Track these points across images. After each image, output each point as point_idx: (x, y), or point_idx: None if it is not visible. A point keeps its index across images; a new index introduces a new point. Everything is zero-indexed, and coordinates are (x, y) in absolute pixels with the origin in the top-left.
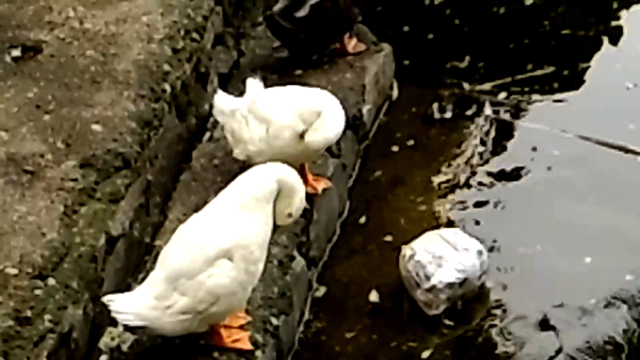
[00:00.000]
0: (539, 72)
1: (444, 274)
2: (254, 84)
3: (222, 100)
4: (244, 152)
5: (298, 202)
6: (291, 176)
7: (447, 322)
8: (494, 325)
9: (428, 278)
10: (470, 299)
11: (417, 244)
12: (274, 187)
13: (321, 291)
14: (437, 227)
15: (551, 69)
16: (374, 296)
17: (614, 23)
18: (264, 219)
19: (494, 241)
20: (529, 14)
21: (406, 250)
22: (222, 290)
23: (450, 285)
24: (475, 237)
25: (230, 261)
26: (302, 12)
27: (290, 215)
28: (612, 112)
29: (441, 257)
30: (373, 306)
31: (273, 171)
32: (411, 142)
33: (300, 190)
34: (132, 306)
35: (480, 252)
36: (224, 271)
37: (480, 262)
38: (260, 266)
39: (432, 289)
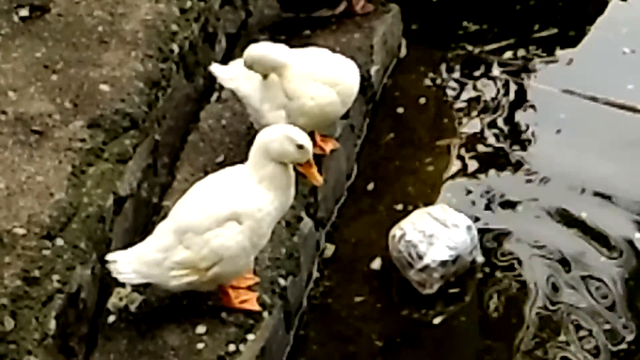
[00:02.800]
0: (544, 33)
1: (436, 253)
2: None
3: (221, 71)
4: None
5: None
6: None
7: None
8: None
9: (420, 257)
10: (462, 275)
11: (406, 223)
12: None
13: (330, 250)
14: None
15: (555, 30)
16: (376, 264)
17: None
18: (281, 198)
19: (500, 199)
20: None
21: (396, 231)
22: (226, 251)
23: (443, 263)
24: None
25: (240, 224)
26: None
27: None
28: (614, 73)
29: (432, 235)
30: (377, 273)
31: (283, 131)
32: (419, 103)
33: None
34: (134, 264)
35: (469, 227)
36: (232, 233)
37: (470, 237)
38: (264, 242)
39: (425, 268)
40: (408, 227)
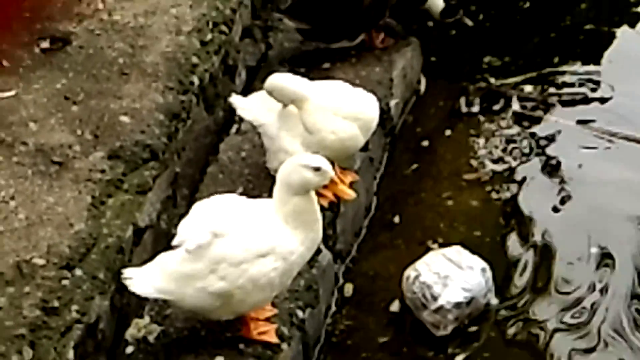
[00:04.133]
0: (564, 68)
1: (450, 294)
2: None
3: (241, 102)
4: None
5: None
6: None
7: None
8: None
9: (435, 299)
10: (476, 317)
11: (420, 264)
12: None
13: (349, 289)
14: (469, 220)
15: (578, 64)
16: (395, 306)
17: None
18: (310, 234)
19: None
20: (552, 9)
21: (410, 272)
22: (263, 280)
23: (457, 305)
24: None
25: (276, 261)
26: None
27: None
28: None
29: (447, 276)
30: (395, 315)
31: (296, 161)
32: (438, 136)
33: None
34: (152, 278)
35: (484, 270)
36: (270, 264)
37: (485, 280)
38: (289, 282)
39: (439, 309)
40: (423, 268)
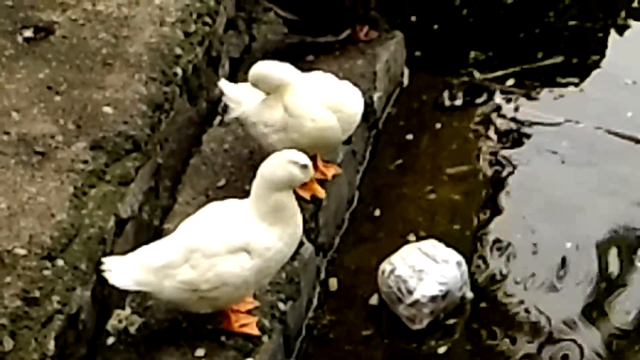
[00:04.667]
0: (548, 62)
1: (426, 288)
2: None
3: (229, 87)
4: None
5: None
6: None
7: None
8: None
9: (410, 292)
10: (451, 311)
11: (396, 258)
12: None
13: (333, 284)
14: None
15: (560, 58)
16: (374, 299)
17: (621, 16)
18: (289, 230)
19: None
20: (536, 5)
21: (385, 266)
22: (230, 278)
23: (433, 298)
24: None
25: (250, 258)
26: None
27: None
28: (615, 103)
29: (422, 270)
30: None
31: (284, 157)
32: (421, 130)
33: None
34: (131, 268)
35: (459, 263)
36: (240, 263)
37: (460, 273)
38: (267, 280)
39: (415, 303)
40: (398, 262)
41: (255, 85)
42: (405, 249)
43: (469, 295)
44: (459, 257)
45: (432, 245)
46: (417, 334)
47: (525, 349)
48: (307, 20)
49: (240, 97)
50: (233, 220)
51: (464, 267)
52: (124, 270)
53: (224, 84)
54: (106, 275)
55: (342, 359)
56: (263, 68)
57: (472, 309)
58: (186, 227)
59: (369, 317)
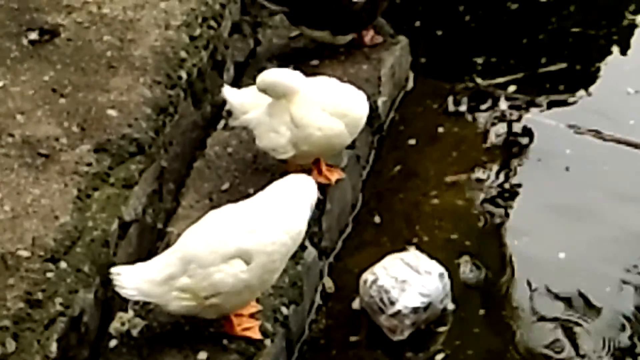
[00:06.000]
0: (552, 68)
1: (408, 299)
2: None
3: (233, 94)
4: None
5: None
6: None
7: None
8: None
9: (392, 303)
10: (432, 322)
11: (378, 268)
12: (313, 197)
13: (331, 286)
14: (454, 219)
15: (563, 65)
16: (356, 304)
17: (624, 24)
18: (296, 229)
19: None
20: (540, 11)
21: (368, 276)
22: (225, 288)
23: (415, 309)
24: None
25: (247, 264)
26: None
27: None
28: (616, 111)
29: (404, 281)
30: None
31: (311, 187)
32: (425, 135)
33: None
34: (138, 281)
35: (441, 275)
36: (234, 271)
37: (442, 285)
38: (276, 276)
39: (396, 314)
40: (380, 272)
41: (263, 91)
42: (388, 259)
43: (451, 307)
44: (441, 269)
45: (415, 256)
46: (395, 345)
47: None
48: (298, 12)
49: (244, 103)
50: (229, 227)
51: (446, 279)
52: (131, 281)
53: (227, 90)
54: (114, 282)
55: None
56: (271, 76)
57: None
58: (184, 238)
59: (355, 322)
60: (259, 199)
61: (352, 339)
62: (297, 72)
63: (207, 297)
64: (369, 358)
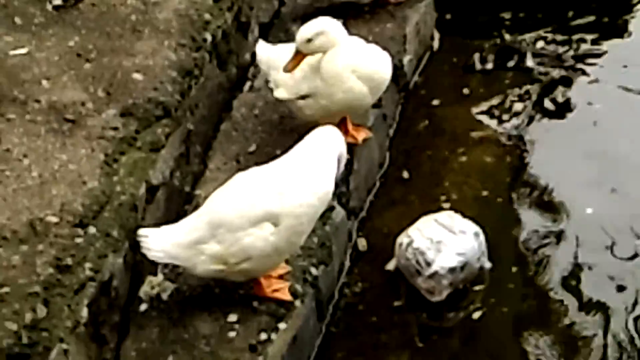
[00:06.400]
0: (579, 21)
1: (444, 259)
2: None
3: (264, 50)
4: (289, 91)
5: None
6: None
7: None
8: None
9: (429, 264)
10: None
11: (413, 230)
12: (337, 152)
13: (363, 244)
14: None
15: (591, 18)
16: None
17: None
18: (324, 190)
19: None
20: None
21: (403, 238)
22: (255, 251)
23: (452, 270)
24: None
25: (275, 226)
26: None
27: None
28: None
29: (440, 241)
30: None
31: (337, 138)
32: (452, 93)
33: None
34: (165, 243)
35: (477, 234)
36: (264, 234)
37: (478, 244)
38: (304, 238)
39: (434, 275)
40: (415, 234)
41: (307, 40)
42: (422, 220)
43: (487, 265)
44: (476, 228)
45: (449, 217)
46: (433, 305)
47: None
48: None
49: (275, 59)
50: (256, 190)
51: (482, 237)
52: (158, 244)
53: (260, 46)
54: (142, 247)
55: (371, 326)
56: (321, 25)
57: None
58: (212, 201)
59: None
60: (285, 160)
61: (396, 303)
62: (342, 26)
63: (238, 262)
64: (413, 322)
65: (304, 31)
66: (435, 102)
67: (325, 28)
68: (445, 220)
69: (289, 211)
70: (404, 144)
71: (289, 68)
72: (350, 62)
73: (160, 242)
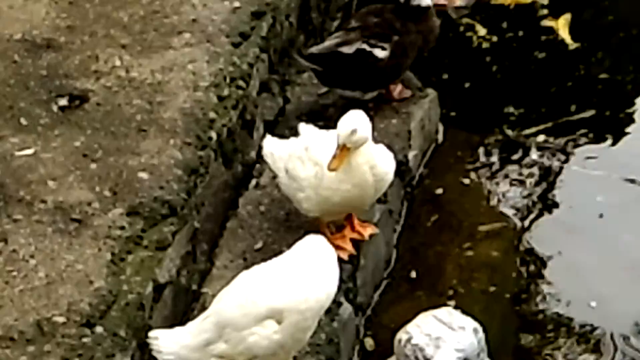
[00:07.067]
0: (581, 115)
1: (444, 356)
2: (307, 128)
3: (271, 144)
4: (295, 193)
5: None
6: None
7: None
8: None
9: None
10: None
11: (412, 327)
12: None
13: (370, 344)
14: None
15: (593, 112)
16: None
17: None
18: (328, 285)
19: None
20: (568, 59)
21: (401, 335)
22: (260, 350)
23: None
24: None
25: (278, 324)
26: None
27: None
28: None
29: (439, 337)
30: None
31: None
32: (457, 188)
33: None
34: (175, 346)
35: (476, 330)
36: (267, 332)
37: (477, 340)
38: (309, 334)
39: None
40: (414, 330)
41: (348, 135)
42: (421, 317)
43: None
44: (475, 324)
45: (448, 313)
46: None
47: None
48: (333, 73)
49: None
50: (259, 287)
51: (481, 333)
52: (169, 346)
53: (268, 141)
54: (153, 349)
55: None
56: (363, 117)
57: None
58: (217, 301)
59: None
60: (287, 257)
61: None
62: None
63: None
64: None
65: (347, 123)
66: (441, 196)
67: (364, 120)
68: (444, 317)
69: (292, 307)
70: (410, 239)
71: (334, 166)
72: (371, 159)
73: (170, 344)
